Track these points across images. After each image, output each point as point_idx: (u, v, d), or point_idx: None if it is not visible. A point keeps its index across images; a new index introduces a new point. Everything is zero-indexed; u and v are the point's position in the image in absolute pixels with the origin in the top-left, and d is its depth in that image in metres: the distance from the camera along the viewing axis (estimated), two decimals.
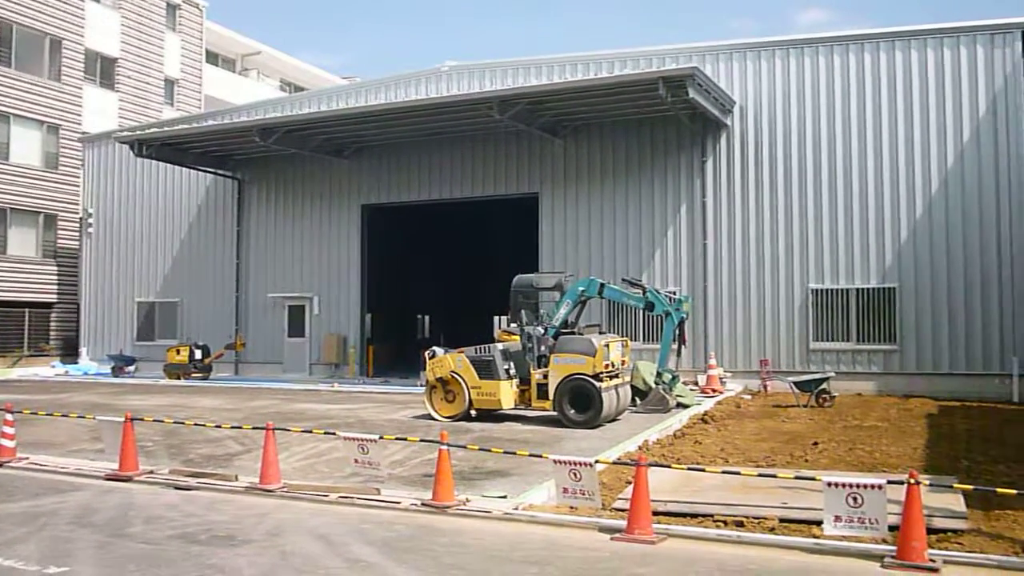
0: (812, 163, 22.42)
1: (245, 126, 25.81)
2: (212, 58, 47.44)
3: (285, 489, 10.21)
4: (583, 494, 8.69)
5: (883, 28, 22.50)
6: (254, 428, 12.25)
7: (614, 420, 16.00)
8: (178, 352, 27.86)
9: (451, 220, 33.70)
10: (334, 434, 11.31)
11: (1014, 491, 8.32)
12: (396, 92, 26.98)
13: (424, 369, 17.32)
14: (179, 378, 27.35)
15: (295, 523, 8.80)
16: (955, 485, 8.73)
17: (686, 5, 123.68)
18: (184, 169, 30.14)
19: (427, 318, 40.65)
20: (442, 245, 36.70)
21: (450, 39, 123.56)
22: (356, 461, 10.26)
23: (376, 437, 10.35)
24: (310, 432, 12.29)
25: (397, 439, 11.57)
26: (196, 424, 13.50)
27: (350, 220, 28.04)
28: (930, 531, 7.59)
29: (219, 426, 13.58)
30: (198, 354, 27.78)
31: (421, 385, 19.03)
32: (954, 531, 8.09)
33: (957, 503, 8.78)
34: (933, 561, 7.09)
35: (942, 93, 21.44)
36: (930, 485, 8.85)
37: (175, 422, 13.39)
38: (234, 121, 27.45)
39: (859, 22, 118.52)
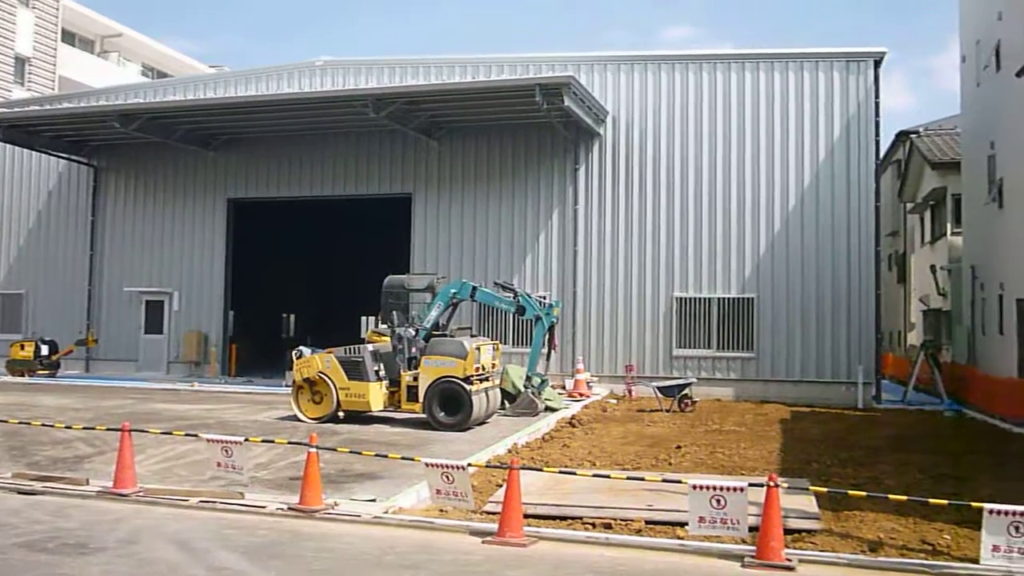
0: (679, 175, 23.15)
1: (104, 111, 24.53)
2: (69, 38, 44.84)
3: (141, 493, 9.72)
4: (456, 495, 8.64)
5: (748, 49, 23.55)
6: (108, 429, 11.62)
7: (483, 423, 16.04)
8: (22, 347, 26.13)
9: (322, 218, 33.02)
10: (195, 436, 10.86)
11: (863, 493, 8.82)
12: (267, 84, 26.26)
13: (290, 369, 16.89)
14: (23, 375, 25.64)
15: (153, 529, 8.38)
16: (810, 488, 9.16)
17: (563, 14, 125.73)
18: (35, 153, 28.36)
19: (293, 317, 39.76)
20: (312, 243, 35.95)
21: (322, 36, 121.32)
22: (219, 464, 9.87)
23: (240, 439, 9.99)
24: (169, 434, 11.75)
25: (263, 441, 11.22)
26: (44, 424, 12.69)
27: (215, 214, 27.06)
28: (787, 531, 7.92)
29: (69, 427, 12.83)
30: (45, 350, 26.12)
31: (287, 385, 18.58)
32: (808, 531, 8.48)
33: (810, 504, 9.21)
34: (789, 560, 7.39)
35: (801, 114, 22.54)
36: (786, 488, 9.24)
37: (20, 422, 12.55)
38: (92, 105, 26.09)
39: (723, 40, 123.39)
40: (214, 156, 26.98)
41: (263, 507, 9.22)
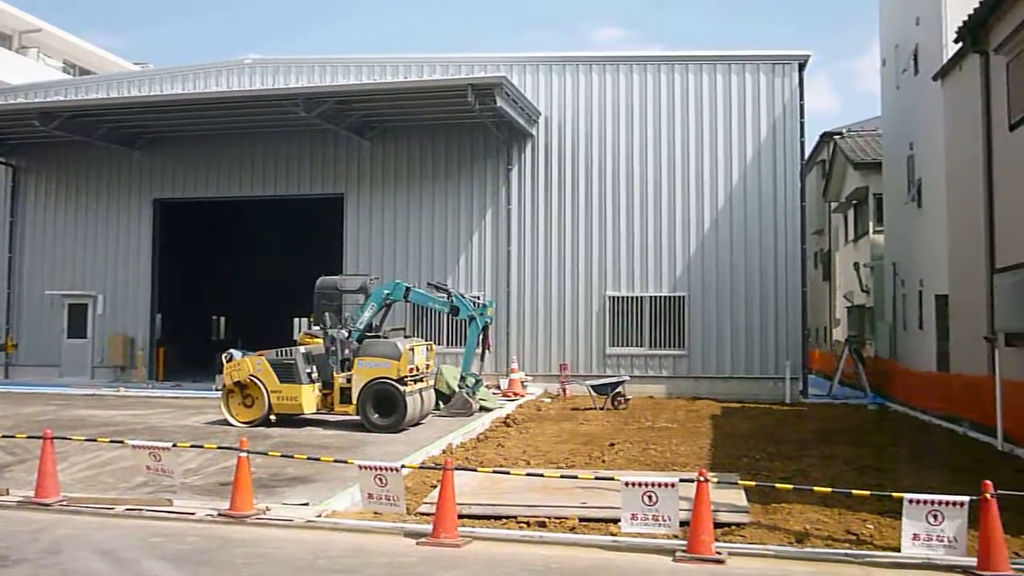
0: (611, 176, 23.39)
1: (23, 108, 23.81)
2: None
3: (64, 503, 9.44)
4: (388, 499, 8.59)
5: (677, 51, 23.84)
6: (29, 437, 11.26)
7: (418, 424, 15.98)
8: None
9: (253, 219, 32.48)
10: (121, 442, 10.59)
11: (790, 486, 9.02)
12: (195, 83, 25.75)
13: (220, 373, 16.60)
14: None
15: (77, 539, 8.14)
16: (739, 482, 9.36)
17: (491, 15, 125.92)
18: None
19: (224, 319, 39.02)
20: (242, 244, 35.29)
21: (252, 34, 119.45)
22: (148, 468, 9.66)
23: (168, 445, 9.79)
24: (93, 440, 11.45)
25: (192, 446, 10.99)
26: None
27: (141, 215, 26.41)
28: (717, 525, 8.07)
29: None
30: None
31: (217, 389, 18.23)
32: (737, 524, 8.65)
33: (740, 498, 9.39)
34: (719, 553, 7.53)
35: (729, 116, 22.98)
36: (717, 482, 9.42)
37: None
38: (10, 103, 25.28)
39: (650, 42, 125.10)
40: (139, 156, 26.35)
41: (192, 514, 9.04)
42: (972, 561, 7.13)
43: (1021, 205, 14.23)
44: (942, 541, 7.26)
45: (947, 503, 7.29)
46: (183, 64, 26.89)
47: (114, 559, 7.47)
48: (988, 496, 7.08)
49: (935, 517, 7.29)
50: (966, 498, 7.27)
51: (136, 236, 26.38)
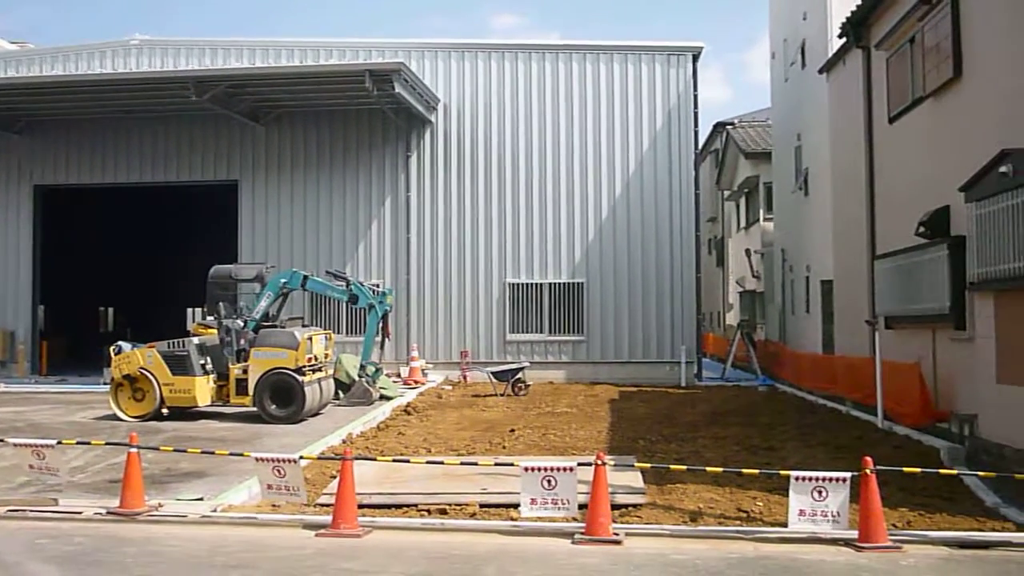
0: (510, 163, 23.50)
1: None
2: None
3: None
4: (288, 490, 8.46)
5: (576, 40, 24.12)
6: None
7: (317, 414, 15.79)
8: None
9: (142, 206, 31.40)
10: (1, 441, 10.12)
11: (684, 467, 9.29)
12: (78, 64, 24.66)
13: (109, 366, 16.02)
14: None
15: None
16: (636, 464, 9.56)
17: (390, 0, 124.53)
18: None
19: (112, 310, 37.67)
20: (131, 232, 34.10)
21: (139, 14, 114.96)
22: (32, 467, 9.25)
23: (53, 442, 9.39)
24: None
25: (79, 443, 10.58)
26: None
27: (20, 202, 25.16)
28: (614, 507, 8.23)
29: None
30: None
31: (105, 383, 17.59)
32: (634, 505, 8.84)
33: (636, 480, 9.60)
34: (617, 534, 7.69)
35: (626, 105, 23.36)
36: (614, 465, 9.59)
37: None
38: None
39: (548, 30, 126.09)
40: (18, 140, 25.08)
41: (80, 513, 8.70)
42: (854, 534, 7.47)
43: (900, 194, 14.93)
44: (826, 516, 7.58)
45: (831, 479, 7.61)
46: (65, 44, 25.70)
47: None
48: (868, 472, 7.43)
49: (820, 493, 7.61)
50: (848, 474, 7.61)
51: (14, 224, 25.13)
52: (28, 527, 8.33)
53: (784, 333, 25.47)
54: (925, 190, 13.48)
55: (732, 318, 35.55)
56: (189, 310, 36.44)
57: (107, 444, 10.32)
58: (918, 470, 8.79)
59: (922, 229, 13.01)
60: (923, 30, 13.62)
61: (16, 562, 7.19)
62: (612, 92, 23.43)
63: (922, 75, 13.70)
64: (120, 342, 16.30)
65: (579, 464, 8.13)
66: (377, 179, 23.87)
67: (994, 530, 8.01)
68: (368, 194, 23.86)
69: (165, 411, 15.21)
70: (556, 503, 7.92)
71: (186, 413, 15.49)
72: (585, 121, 23.45)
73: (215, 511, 8.80)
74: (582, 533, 7.70)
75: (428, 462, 9.61)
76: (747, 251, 31.13)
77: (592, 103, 23.45)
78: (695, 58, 23.43)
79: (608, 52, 23.57)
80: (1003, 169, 9.88)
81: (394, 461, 9.91)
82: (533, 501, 7.95)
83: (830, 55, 19.44)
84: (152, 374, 15.19)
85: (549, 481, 7.93)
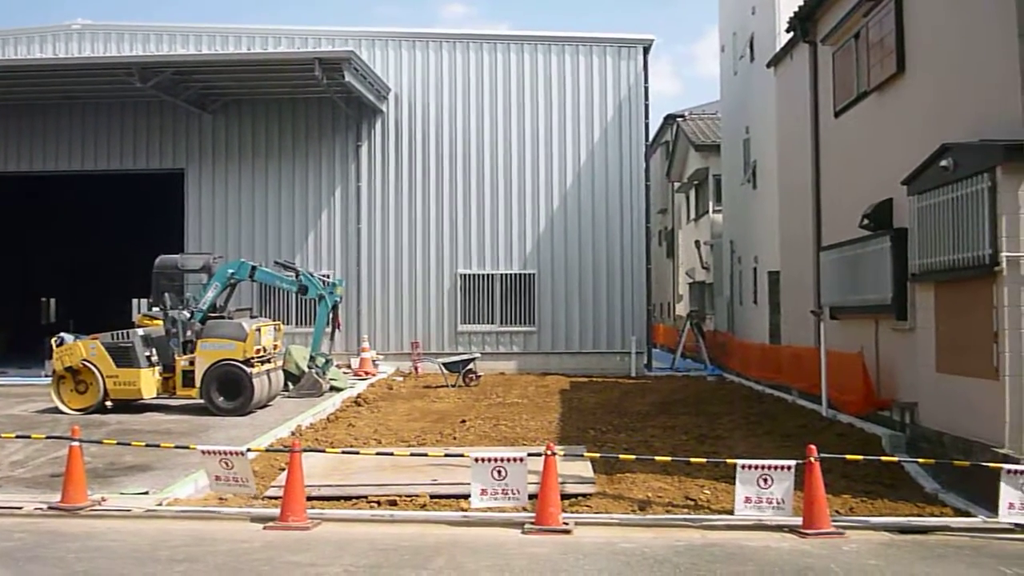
0: (462, 153, 23.44)
1: None
2: None
3: None
4: (237, 481, 8.37)
5: (527, 31, 24.11)
6: None
7: (266, 406, 15.62)
8: None
9: (85, 195, 30.67)
10: None
11: (633, 457, 9.37)
12: (16, 48, 24.01)
13: (50, 358, 15.67)
14: None
15: None
16: (585, 454, 9.64)
17: None
18: None
19: (53, 301, 36.83)
20: (74, 222, 33.34)
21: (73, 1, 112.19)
22: None
23: None
24: None
25: (18, 436, 10.35)
26: None
27: None
28: (564, 496, 8.28)
29: None
30: None
31: (47, 376, 17.21)
32: (584, 495, 8.89)
33: (586, 470, 9.66)
34: (566, 524, 7.74)
35: (577, 96, 23.42)
36: (564, 455, 9.65)
37: None
38: None
39: (498, 19, 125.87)
40: None
41: (19, 508, 8.51)
42: (798, 520, 7.62)
43: (844, 187, 15.19)
44: (771, 503, 7.72)
45: (775, 467, 7.75)
46: (2, 27, 24.99)
47: None
48: (812, 460, 7.58)
49: (765, 481, 7.74)
50: (792, 462, 7.75)
51: None
52: None
53: (732, 324, 25.79)
54: (869, 183, 13.74)
55: (682, 309, 35.91)
56: (135, 301, 35.81)
57: (48, 438, 10.14)
58: (860, 457, 8.99)
59: (866, 221, 13.25)
60: (868, 26, 13.85)
61: None
62: (563, 83, 23.47)
63: (867, 70, 13.95)
64: (62, 334, 15.93)
65: (529, 455, 8.16)
66: (327, 169, 23.64)
67: (933, 515, 8.22)
68: (318, 184, 23.63)
69: (109, 404, 14.92)
70: (506, 493, 7.95)
71: (131, 406, 15.21)
72: (536, 112, 23.47)
73: (160, 505, 8.67)
74: (532, 523, 7.73)
75: (378, 453, 9.58)
76: (697, 242, 31.45)
77: (543, 94, 23.47)
78: (646, 50, 23.58)
79: (559, 43, 23.60)
80: (944, 163, 10.10)
81: (343, 453, 9.87)
82: (483, 492, 7.96)
83: (778, 49, 19.68)
84: (95, 366, 14.88)
85: (499, 472, 7.94)
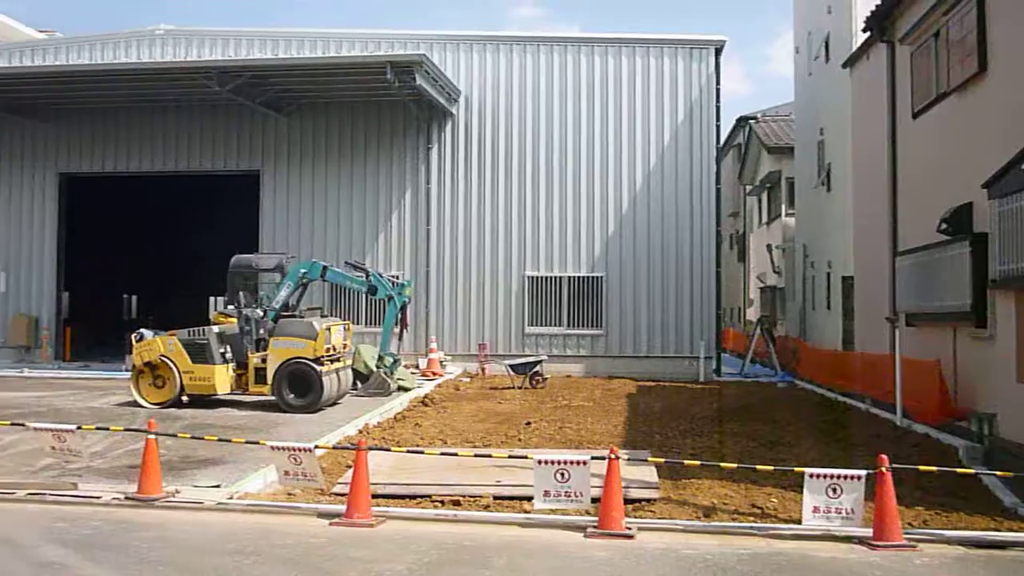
0: (530, 156, 23.46)
1: None
2: None
3: None
4: (306, 476, 8.53)
5: (597, 34, 24.00)
6: None
7: (335, 404, 15.86)
8: None
9: (165, 194, 31.61)
10: (22, 425, 10.26)
11: (698, 462, 9.26)
12: (103, 52, 24.84)
13: (130, 353, 16.18)
14: None
15: None
16: (649, 459, 9.55)
17: None
18: None
19: (135, 298, 38.01)
20: (154, 221, 34.39)
21: (161, 5, 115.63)
22: (53, 448, 9.38)
23: (73, 427, 9.51)
24: None
25: (98, 428, 10.70)
26: None
27: (46, 189, 25.44)
28: (627, 501, 8.23)
29: None
30: None
31: (127, 370, 17.79)
32: (648, 500, 8.83)
33: (651, 474, 9.58)
34: (629, 529, 7.69)
35: (647, 98, 23.24)
36: (627, 459, 9.59)
37: None
38: None
39: (568, 20, 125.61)
40: (44, 127, 25.33)
41: (98, 497, 8.81)
42: (868, 531, 7.44)
43: (922, 190, 14.78)
44: (840, 513, 7.55)
45: (845, 477, 7.58)
46: (92, 32, 25.89)
47: (12, 545, 7.24)
48: (883, 470, 7.39)
49: (834, 490, 7.57)
50: (863, 472, 7.57)
51: (40, 211, 25.42)
52: (47, 510, 8.45)
53: (804, 329, 25.29)
54: (948, 186, 13.34)
55: (753, 314, 35.35)
56: (212, 299, 36.75)
57: (126, 430, 10.44)
58: (934, 468, 8.73)
59: (944, 226, 12.87)
60: (948, 24, 13.46)
61: (32, 544, 7.29)
62: (633, 85, 23.32)
63: (946, 70, 13.54)
64: (142, 329, 16.41)
65: (593, 458, 8.13)
66: (398, 170, 23.92)
67: (1011, 530, 7.93)
68: (389, 185, 23.92)
69: (185, 399, 15.34)
70: (569, 495, 7.93)
71: (205, 401, 15.61)
72: (606, 114, 23.36)
73: (231, 498, 8.87)
74: (594, 527, 7.70)
75: (442, 453, 9.65)
76: (768, 246, 30.92)
77: (613, 96, 23.36)
78: (718, 51, 23.27)
79: (630, 45, 23.46)
80: None
81: (408, 452, 9.96)
82: (546, 493, 7.97)
83: (854, 49, 19.25)
84: (172, 362, 15.31)
85: (562, 474, 7.94)
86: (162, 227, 35.12)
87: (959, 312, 12.44)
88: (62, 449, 9.40)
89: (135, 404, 15.39)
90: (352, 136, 24.15)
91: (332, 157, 24.16)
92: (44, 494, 8.92)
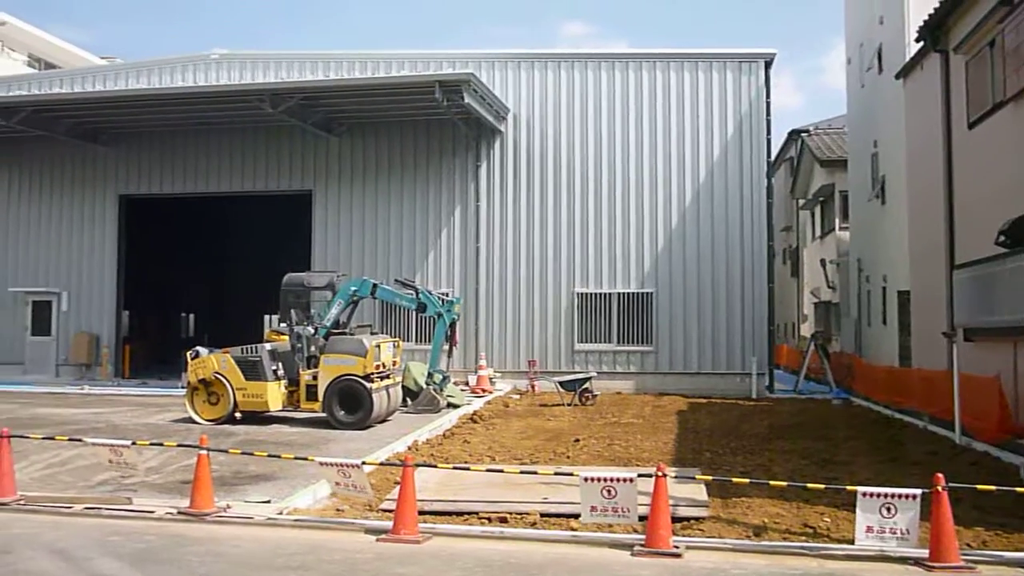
0: (579, 172, 23.46)
1: None
2: None
3: (21, 502, 9.33)
4: (355, 488, 8.59)
5: (645, 49, 23.95)
6: None
7: (385, 421, 15.96)
8: None
9: (220, 215, 32.28)
10: (80, 440, 10.50)
11: (747, 480, 9.12)
12: (160, 77, 25.50)
13: (185, 370, 16.49)
14: None
15: (30, 538, 8.05)
16: (697, 476, 9.42)
17: (457, 10, 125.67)
18: None
19: (192, 316, 38.73)
20: (210, 240, 35.07)
21: (219, 29, 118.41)
22: (111, 461, 9.59)
23: (128, 442, 9.71)
24: (51, 439, 11.33)
25: (152, 444, 10.90)
26: None
27: (106, 211, 26.15)
28: (675, 519, 8.14)
29: None
30: None
31: (182, 387, 18.13)
32: (696, 518, 8.71)
33: (700, 492, 9.46)
34: (677, 547, 7.59)
35: (696, 113, 23.11)
36: (676, 477, 9.47)
37: None
38: None
39: (617, 37, 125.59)
40: (104, 151, 26.08)
41: (151, 512, 8.97)
42: (924, 552, 7.24)
43: (979, 202, 14.44)
44: (895, 533, 7.36)
45: (900, 496, 7.38)
46: (149, 58, 26.61)
47: (67, 558, 7.40)
48: (940, 489, 7.19)
49: (888, 510, 7.39)
50: (918, 491, 7.37)
51: (100, 232, 26.12)
52: (102, 524, 8.62)
53: (859, 345, 24.84)
54: (1006, 197, 13.01)
55: (807, 329, 34.80)
56: (265, 317, 37.27)
57: (179, 446, 10.62)
58: (994, 488, 8.47)
59: (1002, 238, 12.56)
60: (1003, 33, 13.18)
61: (86, 557, 7.45)
62: (682, 100, 23.21)
63: (1003, 79, 13.25)
64: (197, 347, 16.71)
65: (640, 475, 8.05)
66: (447, 188, 24.09)
67: None
68: (438, 203, 24.10)
69: (238, 415, 15.57)
70: (616, 511, 7.85)
71: (258, 417, 15.83)
72: (655, 129, 23.28)
73: (280, 514, 8.96)
74: (641, 545, 7.62)
75: (489, 470, 9.63)
76: (822, 261, 30.48)
77: (662, 112, 23.27)
78: (767, 65, 23.06)
79: (678, 60, 23.37)
80: None
81: (455, 469, 9.98)
82: (593, 508, 7.91)
83: (907, 60, 18.94)
84: (226, 379, 15.56)
85: (609, 491, 7.87)
86: (217, 246, 35.81)
87: (1019, 327, 12.10)
88: (119, 463, 9.61)
89: (190, 420, 15.67)
90: (402, 155, 24.41)
91: (382, 176, 24.44)
92: (100, 508, 9.11)
